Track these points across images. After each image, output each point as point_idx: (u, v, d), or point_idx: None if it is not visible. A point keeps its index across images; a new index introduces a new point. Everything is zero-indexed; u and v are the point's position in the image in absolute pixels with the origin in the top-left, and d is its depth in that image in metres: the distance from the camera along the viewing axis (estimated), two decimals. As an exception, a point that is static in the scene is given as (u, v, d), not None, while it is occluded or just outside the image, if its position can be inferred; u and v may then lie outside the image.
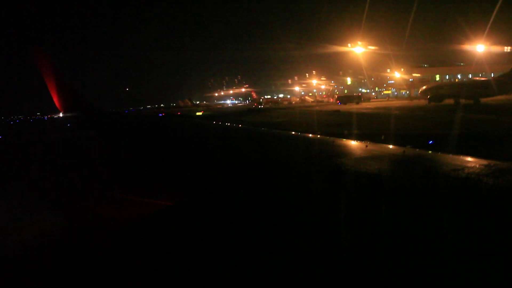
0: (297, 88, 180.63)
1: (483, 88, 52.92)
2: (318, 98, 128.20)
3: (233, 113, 71.77)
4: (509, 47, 51.47)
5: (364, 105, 70.44)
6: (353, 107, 67.34)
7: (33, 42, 14.43)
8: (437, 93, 56.08)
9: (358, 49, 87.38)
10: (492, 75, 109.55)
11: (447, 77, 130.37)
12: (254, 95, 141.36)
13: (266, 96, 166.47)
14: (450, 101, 55.56)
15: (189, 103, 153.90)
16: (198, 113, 74.84)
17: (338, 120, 34.91)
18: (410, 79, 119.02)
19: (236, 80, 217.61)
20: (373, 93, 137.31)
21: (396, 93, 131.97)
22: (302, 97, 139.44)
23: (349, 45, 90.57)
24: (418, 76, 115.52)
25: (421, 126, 25.30)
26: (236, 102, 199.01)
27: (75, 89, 14.10)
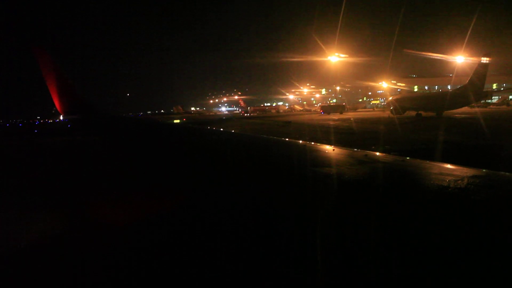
0: (291, 97, 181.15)
1: (445, 100, 52.56)
2: (306, 107, 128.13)
3: (206, 121, 72.08)
4: (487, 58, 50.98)
5: (342, 116, 69.67)
6: (329, 117, 67.47)
7: (34, 44, 14.33)
8: (399, 105, 55.80)
9: (348, 58, 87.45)
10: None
11: (436, 88, 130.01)
12: (241, 103, 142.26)
13: (261, 105, 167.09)
14: (412, 113, 55.35)
15: (181, 110, 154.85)
16: (175, 121, 75.48)
17: (275, 130, 35.38)
18: (398, 89, 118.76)
19: (233, 88, 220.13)
20: (361, 103, 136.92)
21: (384, 103, 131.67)
22: (291, 106, 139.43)
23: (338, 54, 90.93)
24: (404, 86, 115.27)
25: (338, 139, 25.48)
26: (232, 109, 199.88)
27: (76, 91, 13.78)
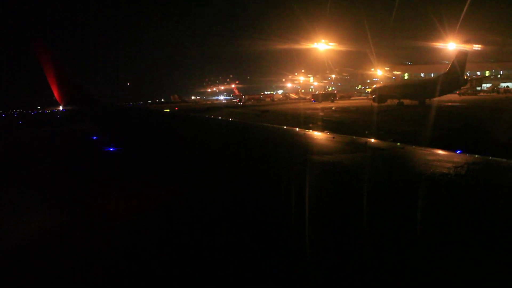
0: (289, 85, 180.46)
1: (425, 88, 52.20)
2: (301, 95, 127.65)
3: (191, 110, 72.34)
4: (467, 45, 50.54)
5: (330, 104, 68.91)
6: (316, 105, 67.43)
7: (33, 35, 14.44)
8: (380, 94, 55.56)
9: (342, 46, 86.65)
10: (468, 74, 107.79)
11: (432, 75, 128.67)
12: (236, 91, 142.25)
13: (261, 93, 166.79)
14: (394, 101, 55.09)
15: (178, 99, 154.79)
16: (166, 110, 75.65)
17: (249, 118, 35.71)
18: (393, 77, 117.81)
19: (230, 76, 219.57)
20: (356, 90, 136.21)
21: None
22: (287, 94, 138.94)
23: (328, 42, 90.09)
24: (399, 74, 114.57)
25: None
26: (230, 98, 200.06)
27: (74, 81, 13.71)
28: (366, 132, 21.77)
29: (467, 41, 49.63)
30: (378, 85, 61.07)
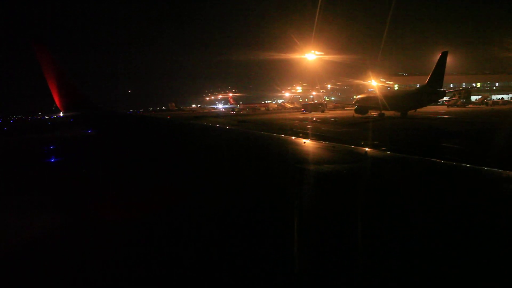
0: (287, 94, 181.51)
1: (405, 99, 52.24)
2: (296, 105, 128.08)
3: (183, 117, 72.92)
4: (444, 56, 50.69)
5: (318, 114, 69.07)
6: (303, 116, 67.95)
7: (34, 40, 14.43)
8: (362, 105, 55.65)
9: (340, 57, 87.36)
10: (464, 85, 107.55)
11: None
12: (231, 101, 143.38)
13: (261, 102, 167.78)
14: (375, 112, 55.10)
15: (175, 107, 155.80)
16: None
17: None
18: (388, 88, 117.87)
19: (231, 86, 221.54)
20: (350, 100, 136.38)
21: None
22: (282, 104, 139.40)
23: (328, 54, 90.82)
24: (392, 84, 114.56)
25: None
26: (228, 107, 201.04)
27: (75, 87, 13.72)
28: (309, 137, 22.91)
29: (444, 53, 49.59)
30: (360, 96, 61.04)
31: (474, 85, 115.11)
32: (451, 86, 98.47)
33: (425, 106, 52.98)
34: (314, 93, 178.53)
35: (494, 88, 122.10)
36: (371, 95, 61.24)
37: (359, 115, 54.07)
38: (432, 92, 49.35)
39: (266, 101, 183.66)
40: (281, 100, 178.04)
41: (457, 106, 75.59)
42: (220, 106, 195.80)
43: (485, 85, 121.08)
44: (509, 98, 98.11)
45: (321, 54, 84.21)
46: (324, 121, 49.18)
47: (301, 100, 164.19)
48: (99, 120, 10.64)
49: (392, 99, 53.27)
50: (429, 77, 50.39)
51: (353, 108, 59.17)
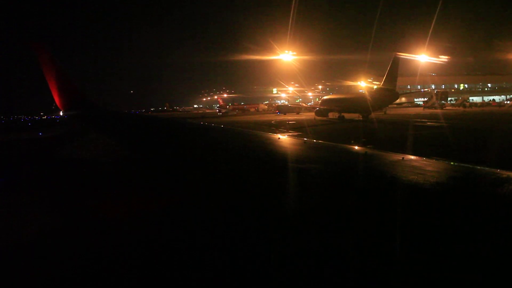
0: (283, 95, 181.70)
1: (362, 101, 51.77)
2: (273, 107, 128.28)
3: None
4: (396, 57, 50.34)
5: (290, 116, 69.00)
6: (276, 117, 67.98)
7: (34, 39, 14.34)
8: (323, 107, 55.48)
9: (331, 57, 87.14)
10: (433, 87, 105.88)
11: (418, 87, 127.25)
12: (220, 101, 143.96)
13: (252, 103, 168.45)
14: (335, 115, 54.70)
15: (169, 108, 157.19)
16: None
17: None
18: (375, 87, 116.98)
19: (226, 87, 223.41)
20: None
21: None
22: (274, 105, 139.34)
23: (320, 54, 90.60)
24: (379, 85, 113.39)
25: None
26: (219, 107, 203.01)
27: (75, 87, 13.60)
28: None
29: (396, 54, 49.19)
30: (325, 98, 60.65)
31: (466, 86, 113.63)
32: (433, 87, 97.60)
33: (381, 108, 52.70)
34: (310, 94, 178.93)
35: (486, 89, 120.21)
36: (334, 96, 61.03)
37: (320, 117, 53.79)
38: (386, 93, 49.01)
39: (264, 102, 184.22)
40: (280, 101, 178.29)
41: (434, 108, 74.77)
42: (215, 106, 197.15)
43: (476, 86, 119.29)
44: (490, 101, 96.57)
45: (312, 56, 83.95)
46: (281, 123, 49.14)
47: (297, 101, 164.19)
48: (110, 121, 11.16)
49: (349, 102, 52.90)
50: (384, 79, 50.00)
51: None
